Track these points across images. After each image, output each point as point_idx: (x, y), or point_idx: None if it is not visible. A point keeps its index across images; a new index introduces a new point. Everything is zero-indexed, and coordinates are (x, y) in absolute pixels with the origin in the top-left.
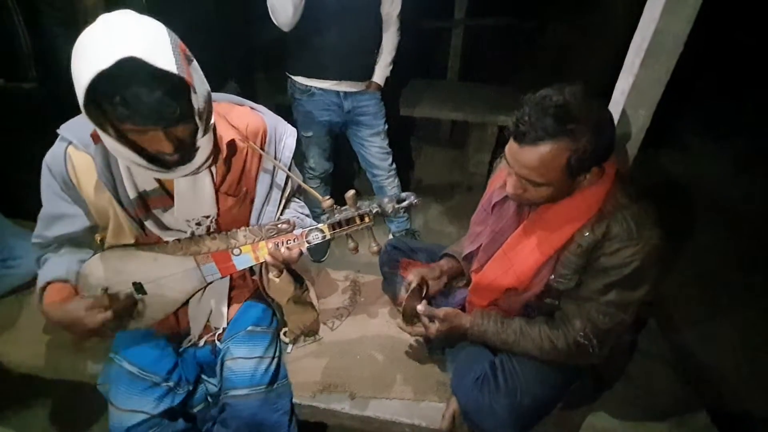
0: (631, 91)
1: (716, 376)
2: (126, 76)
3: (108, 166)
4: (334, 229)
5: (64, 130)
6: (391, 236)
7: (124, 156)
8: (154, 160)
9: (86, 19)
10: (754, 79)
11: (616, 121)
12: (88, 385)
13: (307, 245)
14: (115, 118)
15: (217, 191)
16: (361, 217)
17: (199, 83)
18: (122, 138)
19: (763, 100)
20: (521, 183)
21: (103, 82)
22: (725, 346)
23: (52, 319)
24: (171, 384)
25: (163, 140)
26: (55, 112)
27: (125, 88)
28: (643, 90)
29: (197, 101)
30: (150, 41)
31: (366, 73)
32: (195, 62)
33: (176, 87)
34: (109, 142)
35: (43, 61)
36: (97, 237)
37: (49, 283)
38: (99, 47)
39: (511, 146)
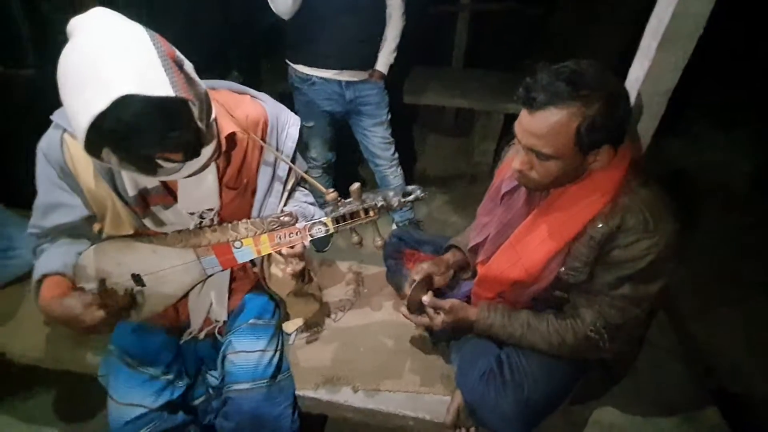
0: (646, 77)
1: (726, 369)
2: (124, 113)
3: None
4: (338, 223)
5: (59, 116)
6: (394, 226)
7: (128, 173)
8: (158, 167)
9: (82, 3)
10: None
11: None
12: (89, 375)
13: (309, 238)
14: (118, 150)
15: (220, 183)
16: (366, 211)
17: (195, 89)
18: (125, 162)
19: None
20: (528, 157)
21: (100, 120)
22: (735, 338)
23: (49, 314)
24: (170, 377)
25: (169, 153)
26: (55, 98)
27: (125, 124)
28: (660, 75)
29: (196, 108)
30: (140, 67)
31: (368, 62)
32: (186, 63)
33: (176, 107)
34: (112, 165)
35: (41, 47)
36: (96, 227)
37: (45, 276)
38: (90, 86)
39: (521, 116)
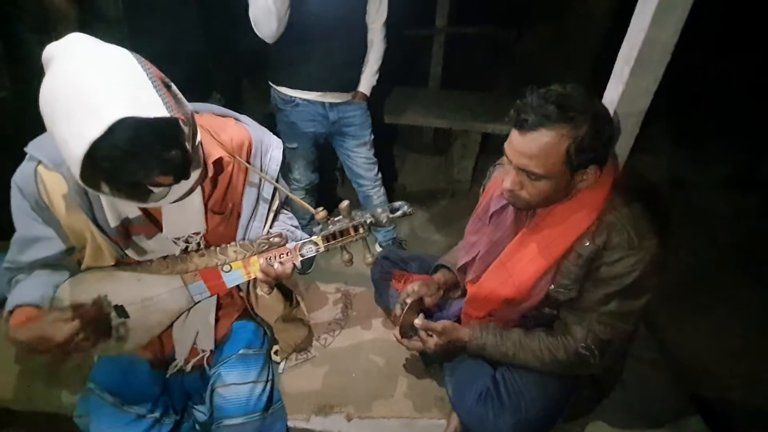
0: (620, 100)
1: (705, 377)
2: (120, 138)
3: (84, 191)
4: (328, 242)
5: (33, 148)
6: (378, 246)
7: (113, 200)
8: (148, 192)
9: (58, 25)
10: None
11: None
12: (64, 416)
13: (300, 258)
14: (115, 177)
15: (205, 207)
16: (356, 228)
17: (183, 109)
18: (116, 190)
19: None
20: (519, 177)
21: (95, 148)
22: (710, 346)
23: (18, 340)
24: (157, 415)
25: (162, 177)
26: (29, 122)
27: (122, 150)
28: (633, 98)
29: (186, 128)
30: (131, 89)
31: (351, 84)
32: (173, 85)
33: (170, 128)
34: (104, 194)
35: (15, 68)
36: (75, 257)
37: (18, 306)
38: (80, 113)
39: (512, 137)
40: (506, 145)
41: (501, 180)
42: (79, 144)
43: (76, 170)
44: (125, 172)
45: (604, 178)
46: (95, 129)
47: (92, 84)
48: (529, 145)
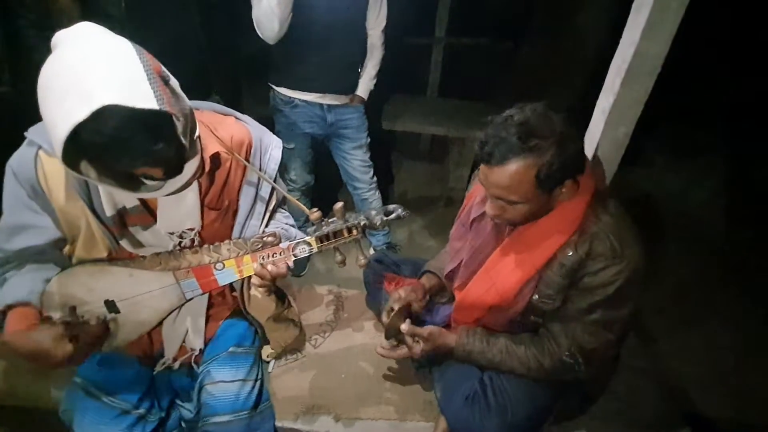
0: (611, 110)
1: (694, 389)
2: (105, 124)
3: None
4: (321, 242)
5: (33, 133)
6: (372, 250)
7: (107, 188)
8: (140, 183)
9: (60, 21)
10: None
11: (596, 140)
12: (49, 411)
13: (293, 258)
14: (98, 164)
15: (201, 203)
16: (349, 230)
17: (180, 104)
18: (105, 177)
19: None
20: (498, 204)
21: (80, 131)
22: (699, 359)
23: (15, 350)
24: (142, 411)
25: (150, 169)
26: (30, 116)
27: (106, 136)
28: (623, 109)
29: (180, 123)
30: (124, 79)
31: (350, 87)
32: (172, 79)
33: (159, 121)
34: (91, 180)
35: (16, 64)
36: (66, 250)
37: (10, 306)
38: (71, 95)
39: (482, 170)
40: (479, 177)
41: (481, 187)
42: (64, 125)
43: (58, 152)
44: (108, 159)
45: (583, 187)
46: (81, 112)
47: (86, 70)
48: (499, 178)
